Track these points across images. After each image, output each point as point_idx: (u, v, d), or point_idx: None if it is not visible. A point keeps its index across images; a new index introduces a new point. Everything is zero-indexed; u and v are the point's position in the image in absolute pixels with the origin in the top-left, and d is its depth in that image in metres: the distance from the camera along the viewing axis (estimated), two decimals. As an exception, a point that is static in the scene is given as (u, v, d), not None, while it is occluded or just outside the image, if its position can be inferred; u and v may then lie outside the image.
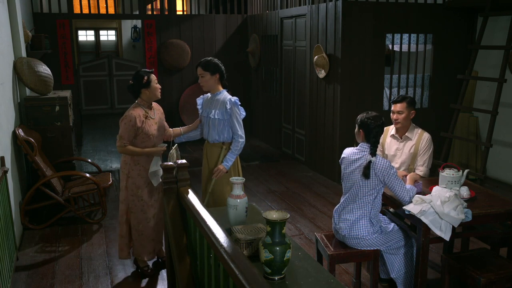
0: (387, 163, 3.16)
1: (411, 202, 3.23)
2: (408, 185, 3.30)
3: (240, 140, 3.82)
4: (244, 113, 3.91)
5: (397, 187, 3.18)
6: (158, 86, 3.72)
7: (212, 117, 3.79)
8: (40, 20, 7.98)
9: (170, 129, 4.00)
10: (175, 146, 3.78)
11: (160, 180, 3.70)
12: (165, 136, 3.94)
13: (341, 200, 3.38)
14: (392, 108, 3.94)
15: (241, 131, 3.83)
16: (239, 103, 3.85)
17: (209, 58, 3.84)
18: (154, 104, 3.88)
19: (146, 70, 3.74)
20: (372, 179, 3.17)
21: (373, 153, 3.17)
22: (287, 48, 7.65)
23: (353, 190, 3.25)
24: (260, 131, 9.16)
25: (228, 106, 3.75)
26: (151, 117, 3.73)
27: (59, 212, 5.02)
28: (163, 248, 4.12)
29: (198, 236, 2.51)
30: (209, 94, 3.94)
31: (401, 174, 3.76)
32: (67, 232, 4.85)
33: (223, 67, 3.85)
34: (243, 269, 1.79)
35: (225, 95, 3.83)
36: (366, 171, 3.15)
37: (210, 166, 3.91)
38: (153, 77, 3.69)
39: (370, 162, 3.15)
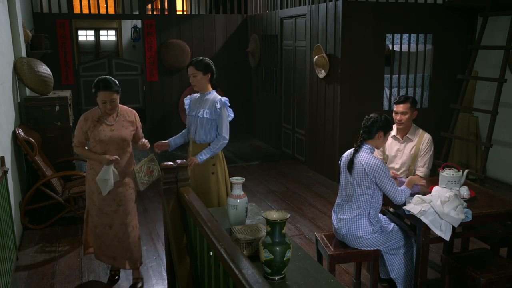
0: (379, 162, 3.16)
1: (404, 203, 3.23)
2: (402, 186, 3.30)
3: (223, 140, 3.74)
4: (232, 115, 3.86)
5: (389, 187, 3.18)
6: (106, 106, 3.39)
7: (201, 116, 3.74)
8: (40, 20, 7.98)
9: (145, 140, 3.65)
10: (149, 157, 3.62)
11: (107, 190, 3.50)
12: (139, 146, 3.64)
13: (337, 201, 3.40)
14: (395, 109, 3.92)
15: (226, 133, 3.76)
16: (229, 104, 3.80)
17: (200, 58, 3.81)
18: (124, 109, 3.60)
19: (106, 82, 3.37)
20: (363, 177, 3.18)
21: (355, 149, 3.25)
22: (287, 48, 7.65)
23: (348, 190, 3.27)
24: (260, 131, 9.16)
25: (218, 106, 3.70)
26: (107, 122, 3.48)
27: (59, 212, 5.02)
28: (127, 264, 3.72)
29: (198, 236, 2.51)
30: (197, 94, 3.90)
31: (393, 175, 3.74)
32: (67, 232, 4.85)
33: (214, 67, 3.83)
34: (243, 269, 1.79)
35: (215, 95, 3.80)
36: (349, 165, 3.23)
37: (196, 170, 3.81)
38: (103, 94, 3.35)
39: (353, 157, 3.22)
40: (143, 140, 3.61)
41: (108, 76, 3.43)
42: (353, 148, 3.30)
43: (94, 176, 3.54)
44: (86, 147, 3.59)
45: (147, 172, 3.59)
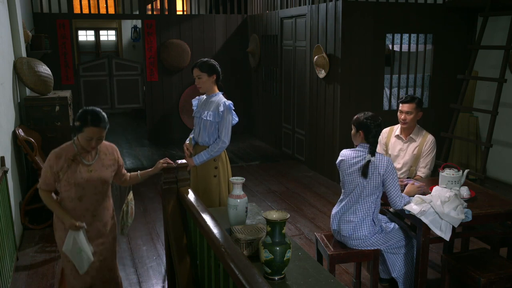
0: (390, 161, 3.15)
1: (401, 208, 3.21)
2: (403, 193, 3.28)
3: (221, 144, 3.67)
4: (236, 119, 3.80)
5: (393, 188, 3.16)
6: (91, 144, 2.75)
7: (204, 118, 3.70)
8: (40, 20, 7.98)
9: (128, 174, 3.13)
10: (130, 194, 3.15)
11: (86, 266, 2.80)
12: (120, 182, 3.11)
13: (342, 203, 3.32)
14: (400, 108, 3.91)
15: (225, 137, 3.68)
16: (233, 108, 3.74)
17: (205, 59, 3.76)
18: (103, 145, 2.94)
19: (97, 116, 2.73)
20: (375, 178, 3.14)
21: (372, 152, 3.15)
22: (287, 48, 7.65)
23: (356, 191, 3.21)
24: (260, 131, 9.16)
25: (221, 109, 3.65)
26: (85, 161, 2.81)
27: (59, 212, 5.01)
28: None
29: (198, 236, 2.51)
30: (204, 96, 3.86)
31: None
32: (67, 232, 4.85)
33: (219, 69, 3.78)
34: (243, 269, 1.79)
35: (220, 97, 3.75)
36: (365, 170, 3.13)
37: (199, 171, 3.79)
38: (91, 131, 2.70)
39: (369, 161, 3.13)
40: (164, 160, 2.98)
41: (97, 109, 2.79)
42: (355, 150, 3.24)
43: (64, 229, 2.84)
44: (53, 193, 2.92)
45: (131, 213, 3.09)
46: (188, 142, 3.84)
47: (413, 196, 3.31)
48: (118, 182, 3.08)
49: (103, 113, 2.78)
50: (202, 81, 3.72)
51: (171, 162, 2.95)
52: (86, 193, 2.83)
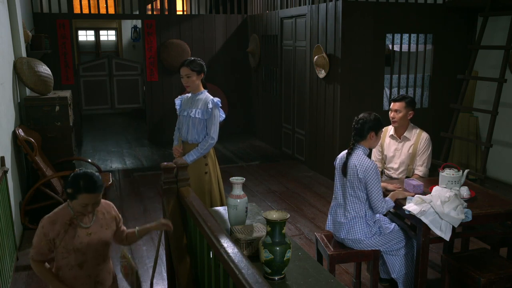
0: (372, 164, 3.14)
1: (383, 213, 3.23)
2: (387, 197, 3.27)
3: (210, 141, 3.77)
4: (223, 116, 3.89)
5: (375, 192, 3.14)
6: (87, 209, 2.41)
7: (193, 116, 3.76)
8: (40, 20, 7.98)
9: (126, 231, 2.73)
10: (121, 254, 2.93)
11: None
12: (120, 240, 2.74)
13: (332, 203, 3.38)
14: (391, 106, 3.95)
15: (214, 133, 3.78)
16: (220, 105, 3.83)
17: (192, 58, 3.82)
18: (102, 203, 2.58)
19: (91, 182, 2.36)
20: (356, 181, 3.16)
21: (349, 150, 3.22)
22: (287, 48, 7.65)
23: (343, 193, 3.26)
24: (260, 131, 9.16)
25: (210, 106, 3.74)
26: (82, 225, 2.50)
27: (59, 212, 5.01)
28: None
29: (198, 236, 2.51)
30: (188, 94, 3.93)
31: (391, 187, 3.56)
32: (67, 232, 4.84)
33: (205, 67, 3.87)
34: (243, 269, 1.79)
35: (207, 95, 3.84)
36: (344, 168, 3.21)
37: (190, 170, 3.76)
38: (86, 197, 2.36)
39: (347, 159, 3.21)
40: (163, 221, 2.67)
41: (89, 172, 2.41)
42: (346, 151, 3.28)
43: None
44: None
45: (125, 270, 2.89)
46: (177, 144, 3.92)
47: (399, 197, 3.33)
48: (117, 241, 2.74)
49: (97, 175, 2.43)
50: (192, 80, 3.78)
51: (171, 226, 2.66)
52: (87, 259, 2.53)
